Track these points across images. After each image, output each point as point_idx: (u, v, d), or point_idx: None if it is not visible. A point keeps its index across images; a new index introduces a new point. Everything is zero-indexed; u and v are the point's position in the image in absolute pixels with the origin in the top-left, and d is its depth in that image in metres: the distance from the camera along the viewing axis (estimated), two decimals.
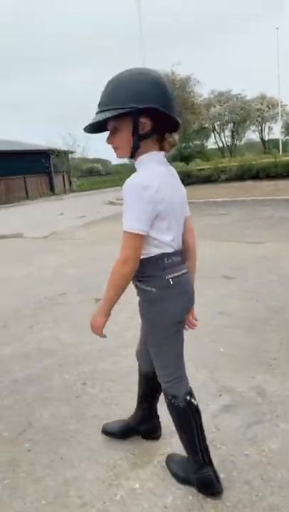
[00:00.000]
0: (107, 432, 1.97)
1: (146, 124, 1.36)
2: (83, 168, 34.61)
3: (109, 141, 1.44)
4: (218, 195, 11.84)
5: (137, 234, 1.36)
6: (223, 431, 1.94)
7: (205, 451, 1.57)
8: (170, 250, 1.45)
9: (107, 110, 1.34)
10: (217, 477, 1.57)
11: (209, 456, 1.58)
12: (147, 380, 1.80)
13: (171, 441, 1.89)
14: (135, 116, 1.33)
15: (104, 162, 50.87)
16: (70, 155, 30.88)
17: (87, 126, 1.43)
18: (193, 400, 1.57)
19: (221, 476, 1.64)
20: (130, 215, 1.35)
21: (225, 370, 2.50)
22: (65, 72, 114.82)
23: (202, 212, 9.13)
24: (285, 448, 1.80)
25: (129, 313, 3.35)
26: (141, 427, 1.91)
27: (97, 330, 1.52)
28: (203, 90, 36.62)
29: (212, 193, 12.23)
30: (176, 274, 1.46)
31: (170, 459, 1.75)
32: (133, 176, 1.39)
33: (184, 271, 1.50)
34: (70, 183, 31.11)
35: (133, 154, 1.42)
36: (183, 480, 1.65)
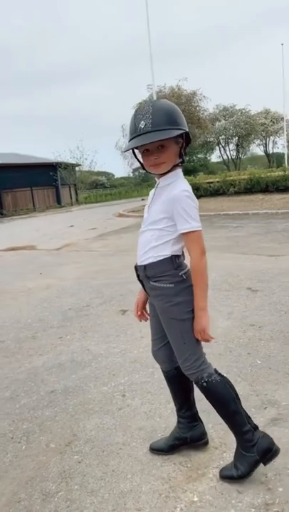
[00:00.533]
0: (155, 450, 1.95)
1: (182, 143, 1.65)
2: (88, 181, 34.95)
3: (155, 156, 1.61)
4: (229, 208, 11.90)
5: (201, 230, 1.63)
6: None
7: (250, 418, 1.73)
8: (180, 251, 1.69)
9: (171, 129, 1.54)
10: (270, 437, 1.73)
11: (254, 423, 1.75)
12: (173, 379, 1.89)
13: (222, 455, 1.88)
14: (182, 137, 1.62)
15: (108, 175, 51.45)
16: (76, 168, 31.22)
17: (139, 141, 1.56)
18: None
19: (280, 489, 1.63)
20: (194, 217, 1.60)
21: (265, 383, 2.48)
22: (73, 87, 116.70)
23: (214, 225, 9.18)
24: None
25: None
26: (186, 434, 1.91)
27: (205, 332, 1.65)
28: (208, 105, 36.99)
29: (223, 206, 12.30)
30: (185, 270, 1.69)
31: (224, 470, 1.74)
32: (180, 185, 1.62)
33: (188, 267, 1.70)
34: (77, 196, 31.35)
35: (171, 169, 1.66)
36: (249, 471, 1.69)
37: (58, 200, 28.50)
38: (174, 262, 1.66)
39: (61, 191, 28.75)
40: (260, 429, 1.88)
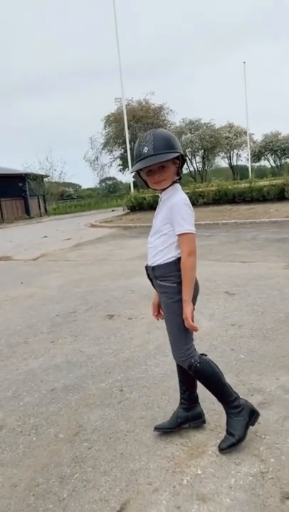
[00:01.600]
0: (160, 428, 2.16)
1: (179, 163, 1.96)
2: (56, 192, 34.89)
3: (158, 175, 1.91)
4: (200, 218, 12.31)
5: (194, 233, 1.92)
6: (263, 424, 2.17)
7: (232, 388, 2.07)
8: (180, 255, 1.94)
9: (169, 152, 1.85)
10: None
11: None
12: (181, 368, 2.15)
13: (218, 435, 2.10)
14: (179, 158, 1.93)
15: (74, 186, 51.43)
16: (45, 179, 31.09)
17: (144, 162, 1.86)
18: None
19: (272, 460, 1.88)
20: (188, 221, 1.89)
21: (250, 374, 2.74)
22: (40, 99, 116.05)
23: None
24: None
25: (145, 328, 3.58)
26: (188, 413, 2.16)
27: (188, 321, 1.91)
28: (175, 119, 38.02)
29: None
30: None
31: (222, 443, 1.99)
32: (178, 195, 1.93)
33: None
34: (46, 207, 31.16)
35: (171, 184, 1.95)
36: (243, 433, 1.99)
37: (27, 211, 28.23)
38: (177, 263, 1.92)
39: (30, 202, 28.52)
40: None
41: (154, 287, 2.07)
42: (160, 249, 1.95)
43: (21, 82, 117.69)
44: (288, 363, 2.83)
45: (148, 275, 2.05)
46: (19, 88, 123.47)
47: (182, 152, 1.93)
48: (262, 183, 14.90)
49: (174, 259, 1.93)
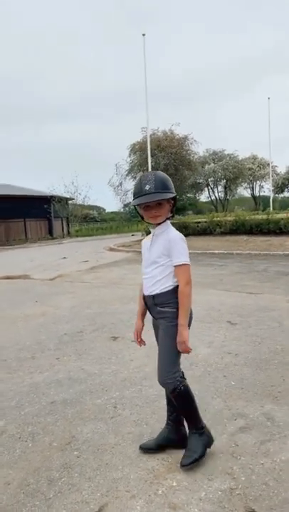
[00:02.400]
0: (145, 449, 2.32)
1: (172, 203, 2.22)
2: (79, 214, 35.77)
3: (155, 210, 2.16)
4: (215, 247, 12.53)
5: (189, 265, 2.16)
6: (241, 446, 2.33)
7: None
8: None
9: (167, 192, 2.13)
10: None
11: None
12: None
13: None
14: (174, 199, 2.20)
15: (98, 209, 52.50)
16: (69, 201, 32.02)
17: (144, 197, 2.11)
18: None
19: (242, 478, 2.04)
20: (185, 254, 2.15)
21: (237, 400, 2.90)
22: (68, 123, 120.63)
23: (200, 263, 9.74)
24: None
25: (145, 352, 3.77)
26: (174, 436, 2.31)
27: (186, 344, 2.09)
28: (199, 149, 38.75)
29: (209, 245, 12.93)
30: None
31: (184, 460, 2.15)
32: (173, 231, 2.19)
33: None
34: (69, 228, 31.96)
35: (164, 220, 2.20)
36: (204, 452, 2.19)
37: (50, 232, 29.05)
38: (176, 292, 2.14)
39: (54, 223, 29.38)
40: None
41: (151, 315, 2.27)
42: (158, 279, 2.16)
43: (48, 107, 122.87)
44: (274, 393, 2.98)
45: (145, 304, 2.26)
46: (50, 112, 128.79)
47: (175, 194, 2.21)
48: (279, 215, 15.02)
49: (172, 287, 2.14)
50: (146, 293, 2.22)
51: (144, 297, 2.25)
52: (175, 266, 2.13)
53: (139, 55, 20.57)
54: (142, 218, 2.27)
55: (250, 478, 2.06)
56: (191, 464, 2.13)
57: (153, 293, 2.18)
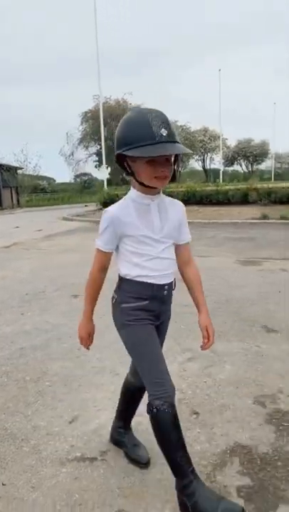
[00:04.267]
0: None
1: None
2: (29, 184, 34.86)
3: (162, 169, 1.47)
4: None
5: None
6: (188, 371, 2.81)
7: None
8: None
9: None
10: None
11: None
12: (133, 393, 2.12)
13: None
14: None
15: (49, 179, 51.25)
16: (19, 171, 31.04)
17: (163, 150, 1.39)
18: None
19: (189, 392, 2.51)
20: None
21: (186, 339, 3.37)
22: (16, 90, 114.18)
23: None
24: (229, 378, 2.70)
25: (104, 304, 4.14)
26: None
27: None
28: None
29: None
30: None
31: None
32: (174, 200, 1.71)
33: None
34: (19, 199, 31.13)
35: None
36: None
37: (0, 202, 28.17)
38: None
39: (2, 193, 28.47)
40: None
41: (154, 314, 1.72)
42: (173, 262, 1.70)
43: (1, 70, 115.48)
44: (218, 332, 3.45)
45: (154, 297, 1.67)
46: None
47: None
48: (227, 187, 15.77)
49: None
50: (163, 281, 1.65)
51: (154, 289, 1.65)
52: (183, 244, 1.70)
53: (90, 17, 20.00)
54: (135, 178, 1.52)
55: (195, 391, 2.54)
56: None
57: (171, 280, 1.68)
